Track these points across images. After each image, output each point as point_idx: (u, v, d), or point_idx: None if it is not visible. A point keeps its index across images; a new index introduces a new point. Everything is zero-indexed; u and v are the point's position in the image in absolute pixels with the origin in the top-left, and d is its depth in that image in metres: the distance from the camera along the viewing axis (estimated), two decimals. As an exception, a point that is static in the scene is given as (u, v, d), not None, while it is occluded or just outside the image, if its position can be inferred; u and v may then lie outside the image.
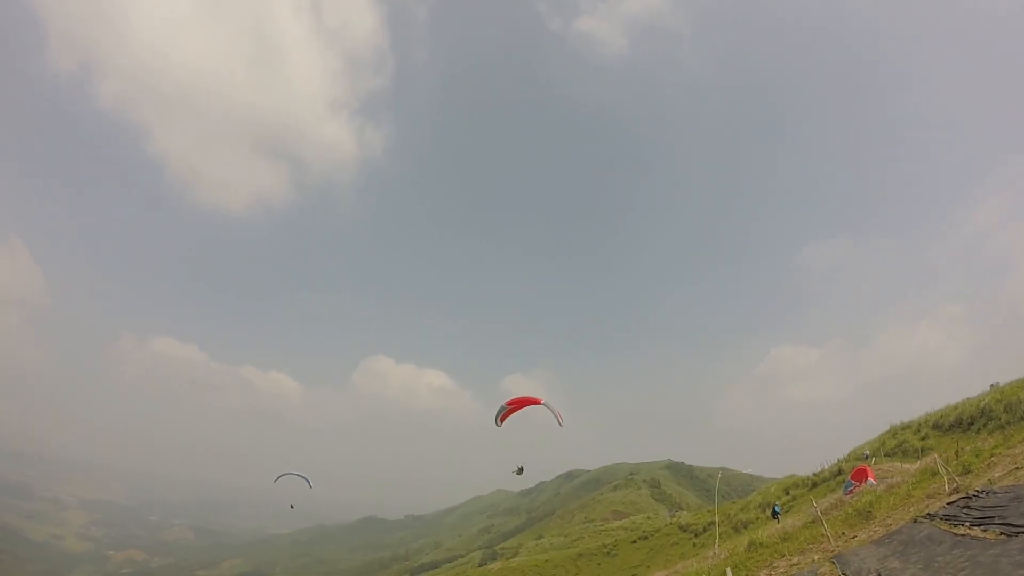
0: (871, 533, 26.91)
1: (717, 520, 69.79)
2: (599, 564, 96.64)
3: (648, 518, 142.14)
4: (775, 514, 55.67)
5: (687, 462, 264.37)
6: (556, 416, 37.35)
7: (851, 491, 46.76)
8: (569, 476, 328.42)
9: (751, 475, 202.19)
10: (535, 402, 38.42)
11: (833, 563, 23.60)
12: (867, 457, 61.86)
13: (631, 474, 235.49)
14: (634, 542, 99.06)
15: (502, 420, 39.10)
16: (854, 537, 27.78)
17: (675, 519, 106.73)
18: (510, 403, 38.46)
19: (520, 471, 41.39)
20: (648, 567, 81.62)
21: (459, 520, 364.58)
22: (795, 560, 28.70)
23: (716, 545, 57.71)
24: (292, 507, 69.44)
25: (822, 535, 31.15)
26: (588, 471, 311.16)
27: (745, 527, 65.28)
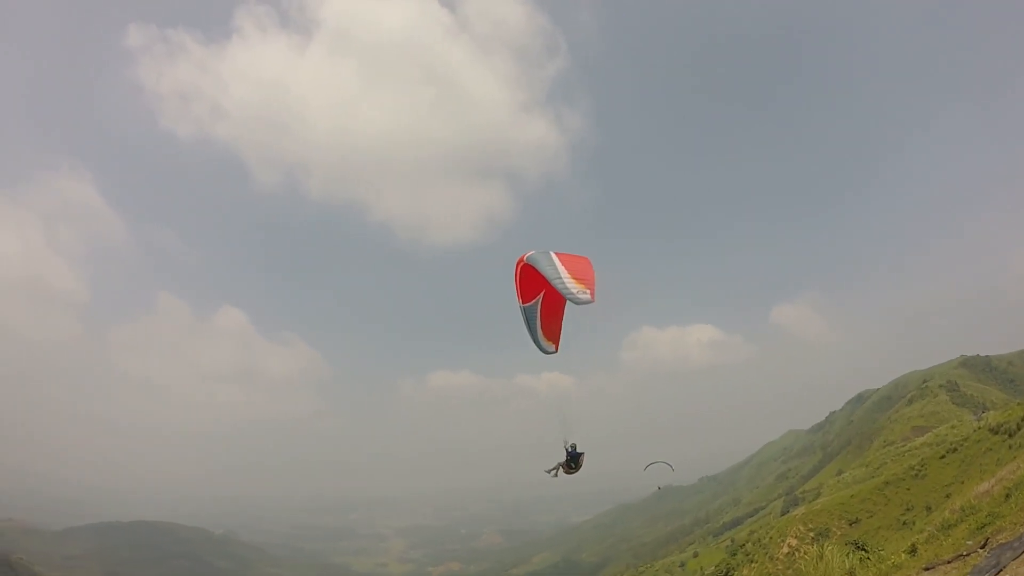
0: None
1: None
2: (908, 489, 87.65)
3: (952, 427, 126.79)
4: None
5: (983, 354, 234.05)
6: (568, 287, 23.21)
7: None
8: (859, 399, 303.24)
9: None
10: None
11: None
12: None
13: (924, 382, 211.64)
14: (942, 457, 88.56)
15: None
16: None
17: (982, 422, 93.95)
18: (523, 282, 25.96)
19: (568, 466, 28.78)
20: (963, 482, 72.32)
21: (754, 471, 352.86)
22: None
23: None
24: (659, 488, 78.62)
25: None
26: (877, 389, 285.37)
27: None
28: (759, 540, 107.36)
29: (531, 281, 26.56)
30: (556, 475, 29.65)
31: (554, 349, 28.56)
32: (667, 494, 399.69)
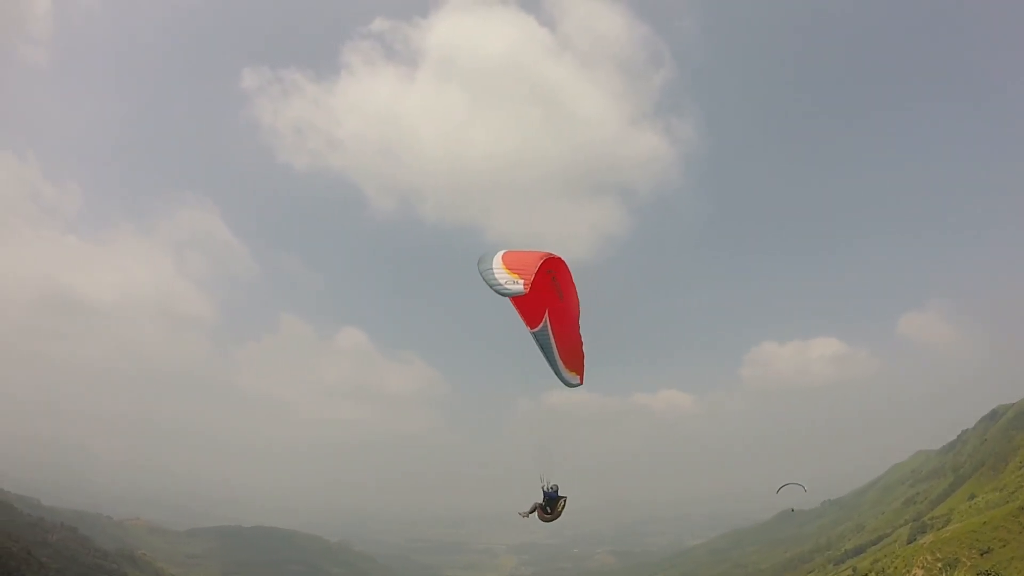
0: None
1: None
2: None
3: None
4: None
5: None
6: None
7: None
8: (993, 416, 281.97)
9: None
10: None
11: None
12: None
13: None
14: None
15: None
16: None
17: None
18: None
19: (543, 510, 25.09)
20: (1107, 511, 67.25)
21: (879, 495, 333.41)
22: None
23: None
24: (793, 510, 79.23)
25: None
26: (1013, 404, 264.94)
27: None
28: (883, 570, 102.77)
29: (528, 299, 22.44)
30: (527, 517, 25.97)
31: (579, 381, 25.54)
32: (786, 518, 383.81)
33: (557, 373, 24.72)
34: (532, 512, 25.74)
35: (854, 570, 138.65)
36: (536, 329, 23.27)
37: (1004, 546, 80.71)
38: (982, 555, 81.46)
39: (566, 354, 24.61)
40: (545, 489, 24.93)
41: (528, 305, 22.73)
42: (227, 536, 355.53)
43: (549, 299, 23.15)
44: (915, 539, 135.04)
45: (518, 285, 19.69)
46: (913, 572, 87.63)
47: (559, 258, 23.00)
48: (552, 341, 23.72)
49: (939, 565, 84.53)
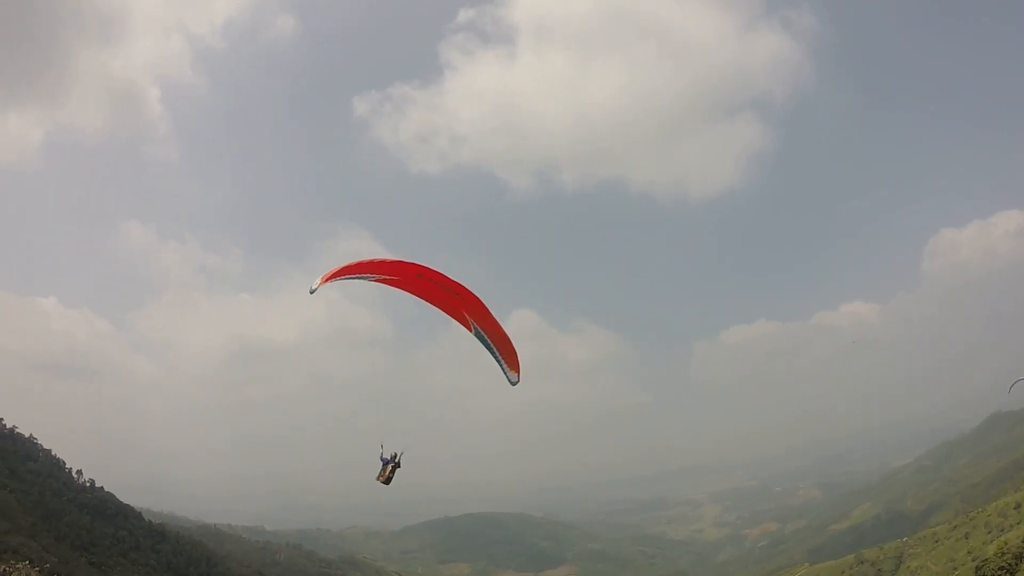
0: None
1: None
2: None
3: None
4: None
5: None
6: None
7: None
8: None
9: None
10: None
11: None
12: None
13: None
14: None
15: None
16: None
17: None
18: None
19: (388, 472, 25.07)
20: None
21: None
22: None
23: None
24: None
25: None
26: None
27: None
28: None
29: (444, 305, 22.91)
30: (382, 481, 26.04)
31: (517, 378, 25.49)
32: (995, 424, 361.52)
33: (504, 373, 25.19)
34: (388, 478, 26.16)
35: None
36: (472, 332, 23.95)
37: None
38: None
39: (503, 352, 24.70)
40: (384, 458, 25.40)
41: (450, 311, 23.60)
42: (437, 528, 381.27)
43: (452, 301, 23.30)
44: None
45: (315, 283, 21.07)
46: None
47: (414, 263, 23.05)
48: (488, 340, 24.28)
49: None
